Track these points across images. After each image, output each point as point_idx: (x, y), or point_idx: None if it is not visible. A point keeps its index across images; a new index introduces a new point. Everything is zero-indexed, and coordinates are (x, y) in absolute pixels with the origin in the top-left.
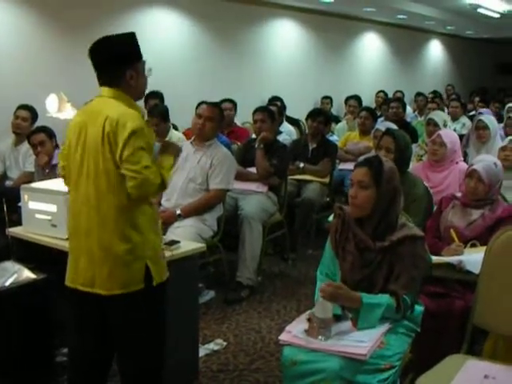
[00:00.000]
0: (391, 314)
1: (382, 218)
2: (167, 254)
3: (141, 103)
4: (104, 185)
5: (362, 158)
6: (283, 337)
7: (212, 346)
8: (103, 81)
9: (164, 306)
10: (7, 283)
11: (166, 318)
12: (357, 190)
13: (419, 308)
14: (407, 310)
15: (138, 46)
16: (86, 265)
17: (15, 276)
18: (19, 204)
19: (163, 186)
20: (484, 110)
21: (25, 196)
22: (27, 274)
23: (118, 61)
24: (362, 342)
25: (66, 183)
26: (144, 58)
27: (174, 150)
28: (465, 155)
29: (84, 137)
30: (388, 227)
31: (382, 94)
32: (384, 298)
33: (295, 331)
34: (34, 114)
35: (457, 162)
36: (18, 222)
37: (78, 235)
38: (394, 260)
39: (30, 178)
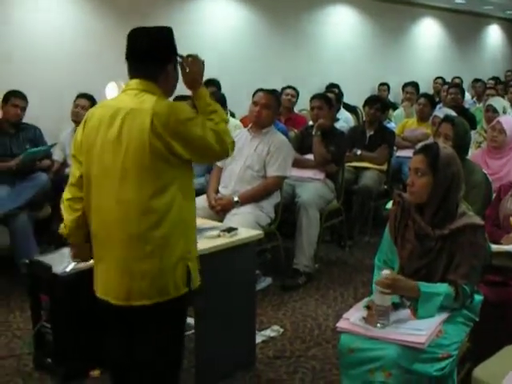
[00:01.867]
0: (450, 303)
1: (440, 204)
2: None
3: None
4: (149, 187)
5: (420, 145)
6: (341, 324)
7: (269, 333)
8: (138, 72)
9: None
10: (68, 269)
11: None
12: (414, 177)
13: (478, 297)
14: (467, 299)
15: (175, 42)
16: (118, 278)
17: (75, 262)
18: None
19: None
20: None
21: None
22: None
23: (162, 53)
24: (420, 330)
25: (83, 184)
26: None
27: (197, 67)
28: None
29: (117, 133)
30: (447, 215)
31: (440, 81)
32: (442, 287)
33: (353, 319)
34: (93, 102)
35: None
36: None
37: (107, 245)
38: (453, 249)
39: None
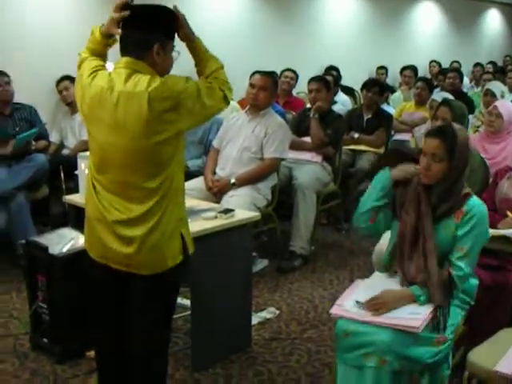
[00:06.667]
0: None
1: (449, 187)
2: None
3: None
4: (151, 169)
5: (435, 127)
6: (334, 310)
7: (265, 315)
8: (126, 50)
9: None
10: (64, 249)
11: None
12: (430, 162)
13: (474, 281)
14: (464, 281)
15: (174, 24)
16: (117, 246)
17: (72, 242)
18: (76, 172)
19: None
20: None
21: (81, 164)
22: (83, 241)
23: (149, 29)
24: (415, 314)
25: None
26: (174, 43)
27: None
28: None
29: (113, 118)
30: (452, 196)
31: (435, 64)
32: None
33: (347, 305)
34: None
35: None
36: (75, 190)
37: (102, 221)
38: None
39: (86, 146)
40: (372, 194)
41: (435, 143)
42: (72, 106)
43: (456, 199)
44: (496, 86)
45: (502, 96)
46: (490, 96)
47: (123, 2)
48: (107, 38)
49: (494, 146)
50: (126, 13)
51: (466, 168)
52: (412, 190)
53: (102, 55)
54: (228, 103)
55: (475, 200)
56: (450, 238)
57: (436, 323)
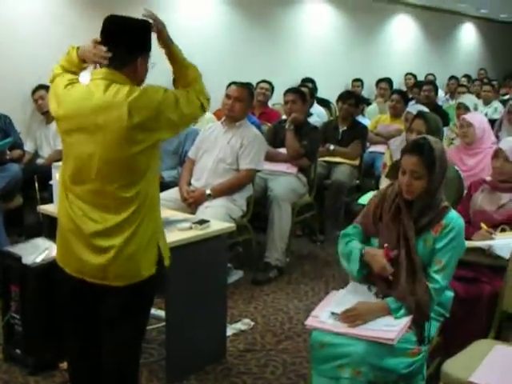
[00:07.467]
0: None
1: (429, 200)
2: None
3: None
4: (127, 178)
5: (410, 141)
6: (309, 322)
7: (239, 326)
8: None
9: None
10: (38, 259)
11: None
12: (411, 179)
13: (449, 293)
14: (440, 293)
15: (150, 37)
16: (92, 258)
17: (46, 252)
18: (50, 182)
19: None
20: None
21: (56, 174)
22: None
23: (133, 45)
24: (390, 326)
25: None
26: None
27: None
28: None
29: (91, 129)
30: (431, 208)
31: (410, 76)
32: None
33: (322, 316)
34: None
35: (490, 147)
36: (49, 200)
37: (77, 233)
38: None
39: (61, 155)
40: (356, 269)
41: (413, 161)
42: (47, 115)
43: (435, 212)
44: (469, 99)
45: (476, 109)
46: (463, 109)
47: (104, 55)
48: (83, 61)
49: (471, 159)
50: (105, 62)
51: (443, 179)
52: (393, 205)
53: (74, 73)
54: (205, 112)
55: (453, 213)
56: (428, 252)
57: (416, 335)
